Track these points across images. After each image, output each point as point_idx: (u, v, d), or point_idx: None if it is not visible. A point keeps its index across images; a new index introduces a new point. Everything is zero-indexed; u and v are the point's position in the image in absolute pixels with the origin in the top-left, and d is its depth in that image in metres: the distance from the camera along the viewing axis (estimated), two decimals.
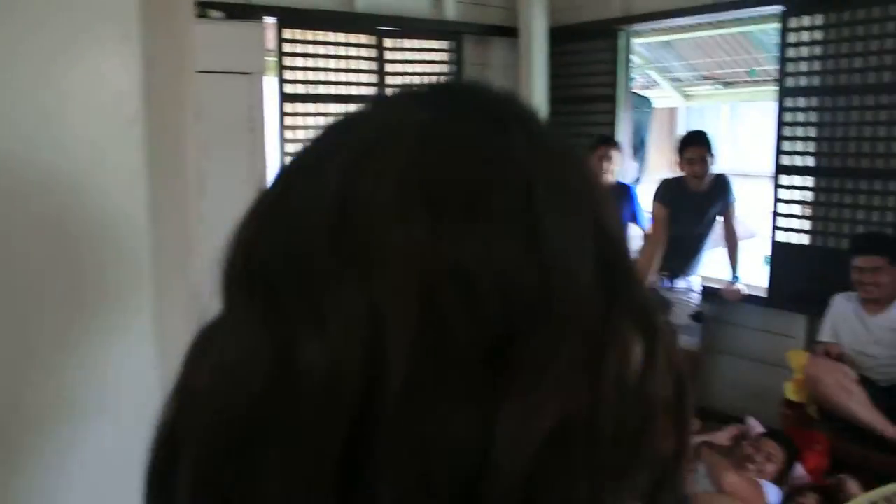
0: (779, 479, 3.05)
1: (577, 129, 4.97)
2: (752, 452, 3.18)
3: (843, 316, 3.60)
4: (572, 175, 0.40)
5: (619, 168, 4.62)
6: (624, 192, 4.56)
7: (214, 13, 3.74)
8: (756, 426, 3.54)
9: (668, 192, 4.38)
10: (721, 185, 4.27)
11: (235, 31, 3.81)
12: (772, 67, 4.58)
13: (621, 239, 0.41)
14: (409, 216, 0.35)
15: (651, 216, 4.44)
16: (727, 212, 4.28)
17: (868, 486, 3.08)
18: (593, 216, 0.39)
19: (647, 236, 4.48)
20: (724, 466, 2.96)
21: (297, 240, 0.37)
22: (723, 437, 3.46)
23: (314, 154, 0.41)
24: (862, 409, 3.30)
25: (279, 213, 0.39)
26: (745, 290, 4.29)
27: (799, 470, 3.20)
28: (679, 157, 4.28)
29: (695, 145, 4.21)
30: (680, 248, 4.30)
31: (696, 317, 4.32)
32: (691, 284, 4.33)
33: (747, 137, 6.57)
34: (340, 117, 0.43)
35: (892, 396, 3.34)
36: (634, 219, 4.56)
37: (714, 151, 4.22)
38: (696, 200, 4.26)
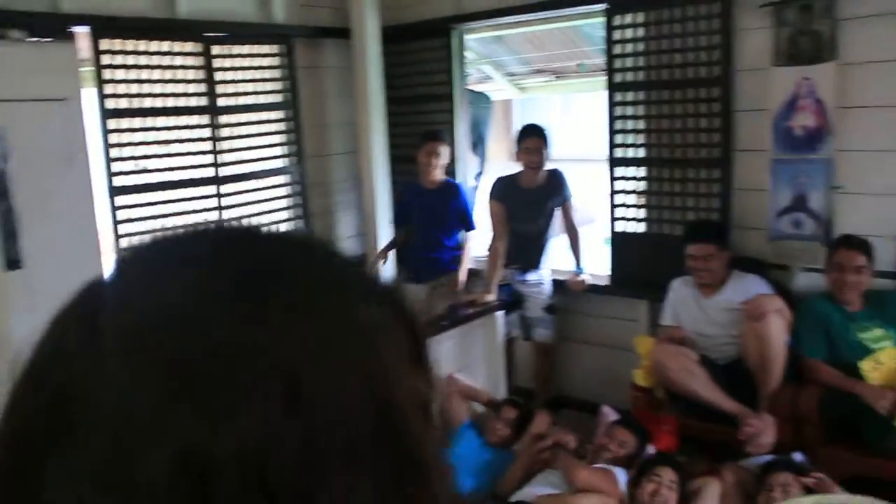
0: (632, 463, 3.16)
1: (415, 129, 4.95)
2: (605, 442, 3.29)
3: (681, 300, 3.79)
4: (342, 365, 0.37)
5: (447, 162, 4.61)
6: (453, 191, 4.57)
7: (15, 33, 3.36)
8: (610, 414, 3.65)
9: (501, 189, 4.48)
10: (555, 181, 4.39)
11: (42, 53, 3.44)
12: (600, 60, 4.74)
13: (410, 412, 0.39)
14: (173, 401, 0.34)
15: (490, 214, 4.50)
16: (564, 206, 4.41)
17: (716, 458, 3.26)
18: (368, 398, 0.37)
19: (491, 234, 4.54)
20: (575, 464, 3.03)
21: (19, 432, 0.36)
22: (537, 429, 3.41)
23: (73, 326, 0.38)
24: (704, 388, 3.49)
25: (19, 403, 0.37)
26: (590, 280, 4.44)
27: (651, 452, 3.33)
28: (517, 146, 4.38)
29: (532, 136, 4.34)
30: (523, 244, 4.40)
31: (549, 309, 4.44)
32: (542, 277, 4.43)
33: (581, 125, 6.81)
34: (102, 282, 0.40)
35: (730, 373, 3.55)
36: (464, 218, 4.57)
37: (549, 144, 4.34)
38: (531, 197, 4.37)
